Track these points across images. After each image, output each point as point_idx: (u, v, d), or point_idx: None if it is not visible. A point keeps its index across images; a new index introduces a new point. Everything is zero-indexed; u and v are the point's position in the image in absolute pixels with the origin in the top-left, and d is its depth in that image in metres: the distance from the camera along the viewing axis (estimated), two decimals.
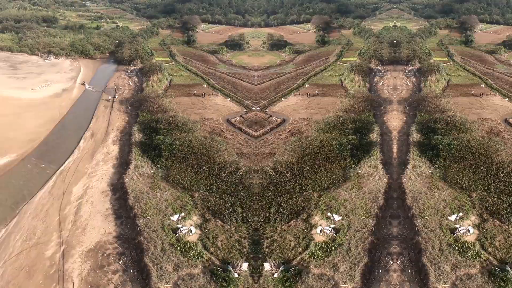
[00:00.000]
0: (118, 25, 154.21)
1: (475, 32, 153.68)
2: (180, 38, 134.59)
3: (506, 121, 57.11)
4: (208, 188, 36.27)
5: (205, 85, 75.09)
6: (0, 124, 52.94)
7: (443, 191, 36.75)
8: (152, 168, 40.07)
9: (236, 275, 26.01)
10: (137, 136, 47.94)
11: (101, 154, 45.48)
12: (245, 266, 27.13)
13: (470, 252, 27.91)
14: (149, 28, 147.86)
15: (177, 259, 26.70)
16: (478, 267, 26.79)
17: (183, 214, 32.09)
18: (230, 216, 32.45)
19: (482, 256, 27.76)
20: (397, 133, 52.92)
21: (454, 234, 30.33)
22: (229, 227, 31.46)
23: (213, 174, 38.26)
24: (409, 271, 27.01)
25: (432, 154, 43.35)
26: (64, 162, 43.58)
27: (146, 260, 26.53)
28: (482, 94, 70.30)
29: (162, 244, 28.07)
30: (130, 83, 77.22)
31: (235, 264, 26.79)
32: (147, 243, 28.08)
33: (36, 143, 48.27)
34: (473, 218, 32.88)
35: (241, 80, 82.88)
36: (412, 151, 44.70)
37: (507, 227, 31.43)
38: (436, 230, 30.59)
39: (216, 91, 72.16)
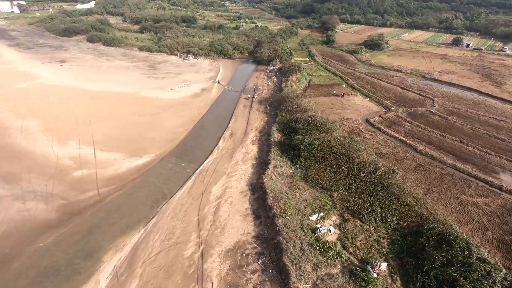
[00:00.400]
0: (257, 25, 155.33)
1: (336, 32, 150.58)
2: (319, 38, 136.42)
3: (367, 120, 55.94)
4: (347, 188, 36.32)
5: (344, 85, 74.84)
6: (140, 124, 52.30)
7: (304, 191, 36.10)
8: (291, 168, 40.70)
9: (375, 275, 25.69)
10: (276, 136, 48.50)
11: (240, 154, 44.81)
12: (384, 266, 26.58)
13: (331, 252, 27.70)
14: (288, 28, 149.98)
15: (316, 259, 26.85)
16: (339, 267, 26.74)
17: (322, 214, 32.35)
18: (369, 216, 31.95)
19: (343, 256, 27.66)
20: (258, 132, 51.41)
21: (315, 234, 29.87)
22: (368, 227, 31.08)
23: (352, 174, 38.05)
24: (270, 270, 26.70)
25: (293, 154, 42.77)
26: (203, 162, 42.60)
27: (285, 260, 26.53)
28: (343, 94, 68.21)
29: (301, 244, 28.06)
30: (269, 83, 77.94)
31: (374, 264, 26.40)
32: (286, 243, 27.98)
33: (175, 143, 47.40)
34: (334, 218, 32.44)
35: (380, 80, 79.26)
36: (273, 151, 43.85)
37: (368, 227, 31.02)
38: (297, 230, 29.88)
39: (355, 91, 71.21)
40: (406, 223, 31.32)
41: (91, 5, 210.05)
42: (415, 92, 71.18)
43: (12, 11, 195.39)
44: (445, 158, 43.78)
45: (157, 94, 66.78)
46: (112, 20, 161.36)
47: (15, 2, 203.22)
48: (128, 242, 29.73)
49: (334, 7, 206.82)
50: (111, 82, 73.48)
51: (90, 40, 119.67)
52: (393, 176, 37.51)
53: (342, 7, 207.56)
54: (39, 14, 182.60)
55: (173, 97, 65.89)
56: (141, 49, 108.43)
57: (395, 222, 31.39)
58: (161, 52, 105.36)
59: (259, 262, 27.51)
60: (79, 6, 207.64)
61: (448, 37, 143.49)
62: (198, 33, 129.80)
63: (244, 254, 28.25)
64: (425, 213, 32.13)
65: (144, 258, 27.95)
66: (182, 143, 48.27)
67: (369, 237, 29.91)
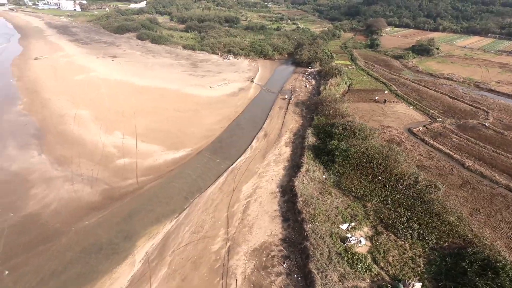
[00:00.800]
0: (298, 27, 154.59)
1: (382, 35, 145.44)
2: (363, 42, 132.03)
3: (409, 130, 52.89)
4: (382, 199, 34.61)
5: (386, 91, 71.62)
6: (180, 119, 54.76)
7: (336, 198, 35.09)
8: (324, 173, 39.76)
9: None
10: (311, 139, 47.67)
11: (273, 155, 44.90)
12: (418, 286, 24.86)
13: (361, 264, 26.45)
14: (331, 30, 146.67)
15: (344, 270, 25.91)
16: (368, 280, 25.31)
17: (353, 224, 31.17)
18: (405, 232, 30.14)
19: (373, 269, 26.20)
20: (292, 135, 50.97)
21: (344, 243, 28.81)
22: (403, 242, 29.35)
23: (389, 185, 36.19)
24: (295, 275, 26.27)
25: (327, 159, 41.76)
26: (236, 160, 43.35)
27: (311, 267, 26.00)
28: (385, 100, 64.91)
29: (329, 252, 27.33)
30: (307, 85, 76.80)
31: (407, 283, 24.79)
32: (313, 249, 27.40)
33: (210, 139, 48.80)
34: (366, 229, 30.92)
35: (427, 88, 74.34)
36: (306, 155, 43.01)
37: (403, 242, 29.25)
38: (326, 237, 29.05)
39: (398, 98, 67.70)
40: (446, 244, 29.10)
41: (142, 4, 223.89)
42: (466, 103, 65.71)
43: (75, 10, 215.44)
44: (497, 177, 39.86)
45: (197, 92, 69.17)
46: (160, 19, 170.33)
47: (77, 1, 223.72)
48: (161, 230, 31.20)
49: (381, 10, 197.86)
50: (156, 78, 77.63)
51: (140, 37, 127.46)
52: (435, 191, 35.13)
53: (390, 10, 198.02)
54: (97, 13, 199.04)
55: (212, 95, 67.80)
56: (184, 47, 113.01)
57: (434, 241, 29.31)
58: (203, 51, 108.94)
59: (284, 266, 27.30)
60: (132, 6, 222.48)
61: (510, 44, 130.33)
62: (239, 33, 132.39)
63: (269, 256, 28.27)
64: (469, 235, 29.62)
65: (174, 247, 29.13)
66: (217, 140, 49.55)
67: (403, 253, 28.23)
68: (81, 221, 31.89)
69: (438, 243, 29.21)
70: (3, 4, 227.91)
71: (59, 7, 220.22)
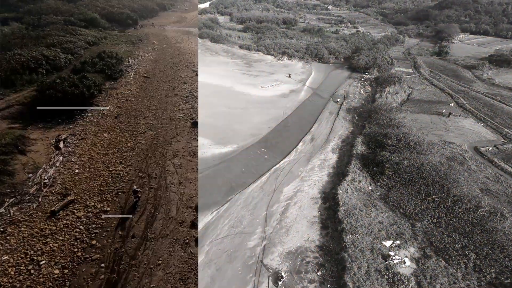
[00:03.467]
0: (358, 30, 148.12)
1: (453, 42, 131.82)
2: (430, 49, 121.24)
3: (475, 149, 47.54)
4: (435, 220, 31.72)
5: (452, 104, 65.34)
6: (229, 115, 55.51)
7: (382, 213, 32.75)
8: (370, 184, 37.77)
9: None
10: (360, 148, 45.56)
11: (318, 160, 43.86)
12: None
13: (402, 286, 24.69)
14: (394, 36, 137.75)
15: None
16: None
17: (398, 242, 29.14)
18: (459, 260, 27.28)
19: None
20: (340, 141, 49.19)
21: (386, 261, 26.85)
22: (454, 271, 26.55)
23: (444, 206, 32.98)
24: (329, 286, 25.52)
25: (376, 170, 39.14)
26: (280, 161, 43.19)
27: (346, 279, 25.13)
28: (450, 114, 59.15)
29: (368, 267, 26.10)
30: (362, 92, 73.69)
31: None
32: (351, 262, 26.43)
33: (256, 138, 48.96)
34: (412, 250, 28.72)
35: (504, 103, 65.87)
36: (353, 163, 40.82)
37: (455, 271, 26.55)
38: (366, 251, 27.41)
39: (465, 113, 61.22)
40: (509, 281, 25.60)
41: (206, 5, 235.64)
42: None
43: None
44: None
45: (249, 90, 70.50)
46: (221, 19, 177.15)
47: None
48: (201, 220, 32.55)
49: (455, 15, 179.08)
50: (211, 74, 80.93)
51: (200, 36, 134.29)
52: (500, 220, 31.17)
53: (466, 15, 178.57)
54: None
55: (262, 95, 68.56)
56: (241, 47, 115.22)
57: (493, 275, 26.03)
58: (258, 51, 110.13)
59: (318, 273, 26.68)
60: (200, 6, 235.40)
61: None
62: (296, 35, 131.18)
63: (304, 261, 27.89)
64: None
65: (212, 238, 30.26)
66: (263, 139, 49.99)
67: (454, 283, 25.51)
68: None
69: (498, 278, 25.87)
70: None
71: None
